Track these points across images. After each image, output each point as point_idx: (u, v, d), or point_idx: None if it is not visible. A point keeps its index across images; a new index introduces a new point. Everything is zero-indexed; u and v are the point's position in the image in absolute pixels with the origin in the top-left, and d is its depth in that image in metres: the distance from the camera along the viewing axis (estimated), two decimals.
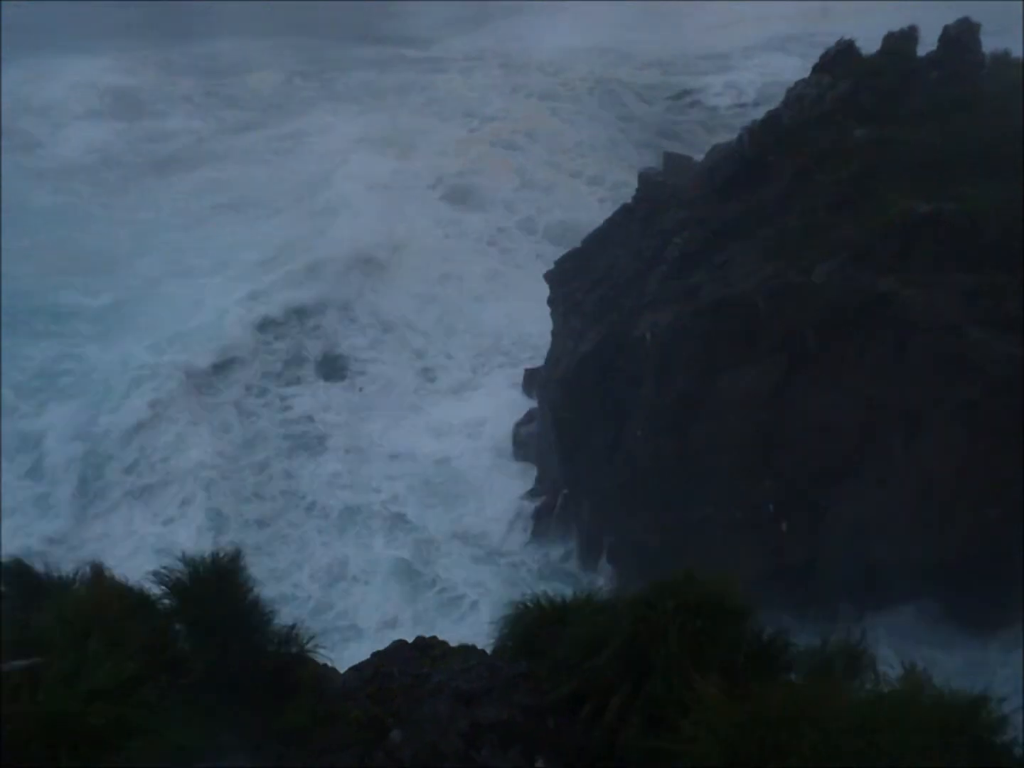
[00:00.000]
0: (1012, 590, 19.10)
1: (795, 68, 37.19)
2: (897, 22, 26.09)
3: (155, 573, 4.86)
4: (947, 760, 3.56)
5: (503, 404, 28.33)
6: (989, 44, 25.17)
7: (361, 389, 30.50)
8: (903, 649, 17.98)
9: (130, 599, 4.87)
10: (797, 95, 25.58)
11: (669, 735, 3.89)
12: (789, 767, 3.52)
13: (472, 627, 20.59)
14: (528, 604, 5.09)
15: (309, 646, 5.16)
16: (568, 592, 5.15)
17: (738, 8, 62.15)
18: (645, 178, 27.74)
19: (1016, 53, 24.93)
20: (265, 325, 32.77)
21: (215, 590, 4.80)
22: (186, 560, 4.84)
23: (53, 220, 38.81)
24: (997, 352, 18.65)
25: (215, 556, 4.89)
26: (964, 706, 3.94)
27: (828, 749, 3.54)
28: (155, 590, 4.90)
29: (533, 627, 4.88)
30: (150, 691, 4.12)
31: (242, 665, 4.71)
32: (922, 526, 19.17)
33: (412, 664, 5.44)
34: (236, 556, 4.94)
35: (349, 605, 22.72)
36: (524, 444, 26.74)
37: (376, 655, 5.75)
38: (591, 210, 36.31)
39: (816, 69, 25.80)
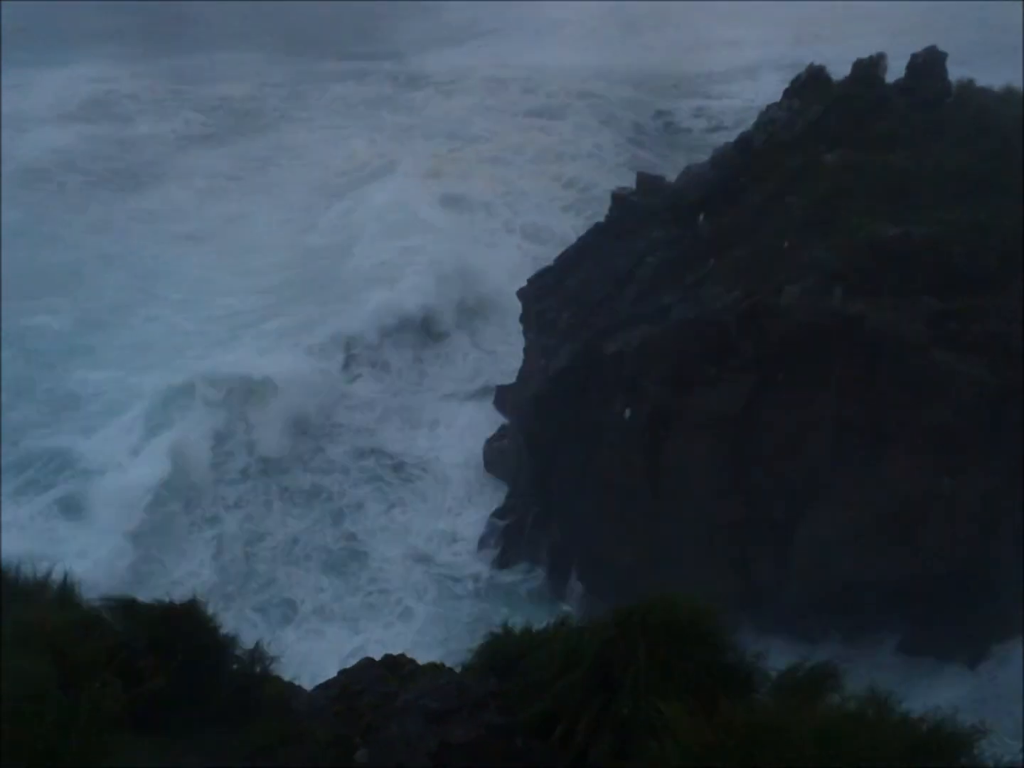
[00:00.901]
0: (979, 609, 19.32)
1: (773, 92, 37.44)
2: (867, 50, 26.61)
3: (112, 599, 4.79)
4: None
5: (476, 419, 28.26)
6: (956, 74, 25.72)
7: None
8: (870, 671, 18.14)
9: (89, 618, 4.79)
10: (769, 119, 25.98)
11: (637, 755, 3.88)
12: None
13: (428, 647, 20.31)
14: (500, 631, 5.08)
15: (272, 666, 5.10)
16: (535, 614, 5.16)
17: (718, 32, 62.97)
18: (618, 198, 27.95)
19: (981, 82, 25.46)
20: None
21: (177, 620, 4.75)
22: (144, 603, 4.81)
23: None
24: (964, 374, 18.92)
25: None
26: (930, 726, 3.97)
27: (794, 764, 3.54)
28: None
29: (505, 651, 4.86)
30: (110, 704, 4.02)
31: (205, 681, 4.64)
32: (889, 546, 19.32)
33: (380, 682, 5.38)
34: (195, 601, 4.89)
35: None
36: (495, 461, 26.69)
37: (343, 673, 5.69)
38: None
39: (787, 94, 26.22)
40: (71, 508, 24.12)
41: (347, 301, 33.24)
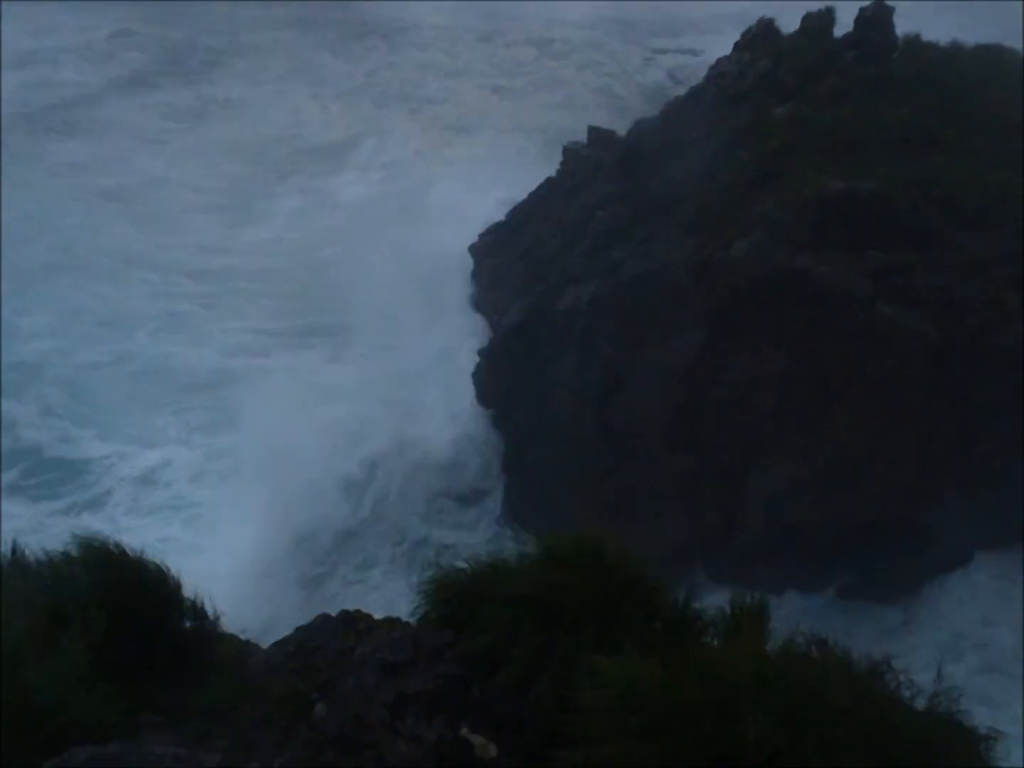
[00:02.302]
0: (917, 553, 20.00)
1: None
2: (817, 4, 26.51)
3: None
4: (855, 715, 3.71)
5: None
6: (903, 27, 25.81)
7: None
8: (815, 614, 18.72)
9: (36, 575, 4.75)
10: (719, 72, 25.96)
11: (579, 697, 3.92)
12: (696, 727, 3.60)
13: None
14: (450, 569, 5.10)
15: (220, 621, 5.09)
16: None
17: None
18: (569, 152, 27.79)
19: (927, 37, 25.63)
20: None
21: (122, 568, 4.72)
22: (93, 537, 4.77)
23: None
24: (907, 327, 19.33)
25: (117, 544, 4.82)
26: (870, 666, 4.12)
27: (725, 713, 3.61)
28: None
29: (457, 593, 4.90)
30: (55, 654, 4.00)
31: (158, 641, 4.64)
32: (833, 495, 19.84)
33: (336, 638, 5.42)
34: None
35: None
36: None
37: (299, 629, 5.71)
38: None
39: (737, 47, 26.17)
40: None
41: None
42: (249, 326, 30.05)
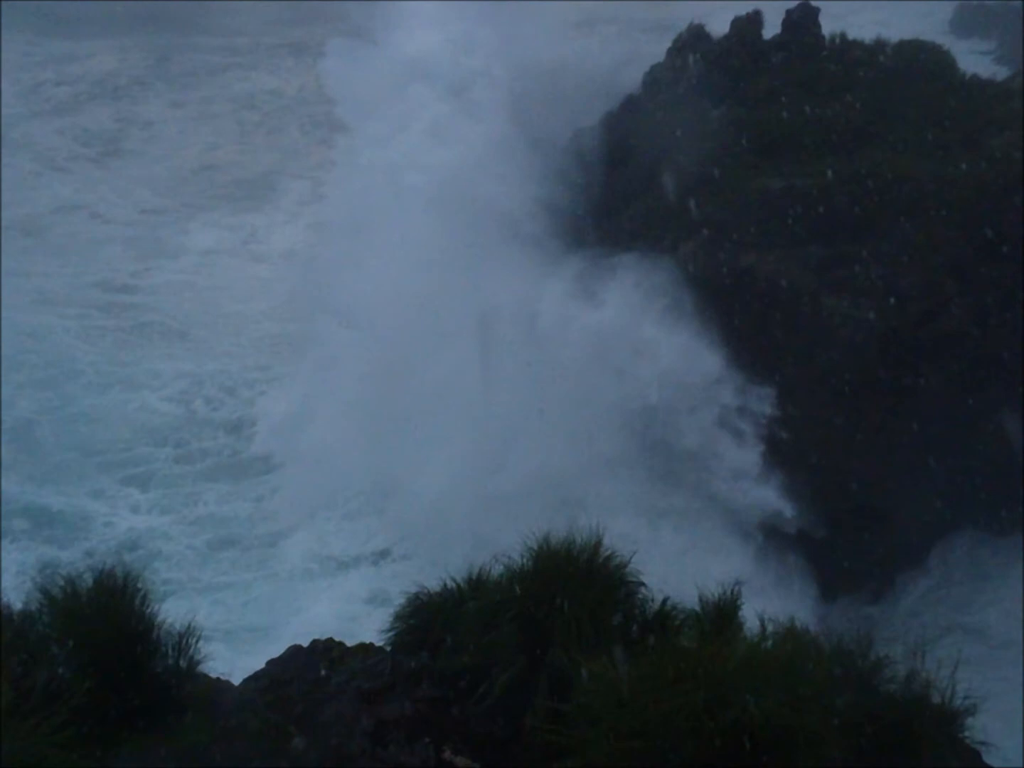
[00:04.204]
0: (881, 543, 20.27)
1: None
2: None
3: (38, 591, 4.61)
4: (835, 704, 3.76)
5: None
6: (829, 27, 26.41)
7: None
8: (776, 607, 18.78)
9: (6, 625, 4.59)
10: (653, 78, 26.29)
11: (571, 708, 3.94)
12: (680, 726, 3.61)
13: None
14: (422, 595, 5.07)
15: (199, 656, 4.98)
16: None
17: None
18: None
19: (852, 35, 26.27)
20: None
21: (93, 608, 4.59)
22: (66, 579, 4.61)
23: None
24: (851, 317, 19.70)
25: (100, 575, 4.67)
26: (846, 652, 4.17)
27: (719, 703, 3.64)
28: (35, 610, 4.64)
29: (429, 616, 4.86)
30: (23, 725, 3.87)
31: (130, 686, 4.52)
32: (789, 489, 20.06)
33: (309, 669, 5.34)
34: (125, 576, 4.73)
35: None
36: None
37: (271, 663, 5.61)
38: None
39: (670, 53, 26.55)
40: None
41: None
42: None
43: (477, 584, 4.92)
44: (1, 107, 43.27)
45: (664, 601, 4.74)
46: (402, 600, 5.03)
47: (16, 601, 4.73)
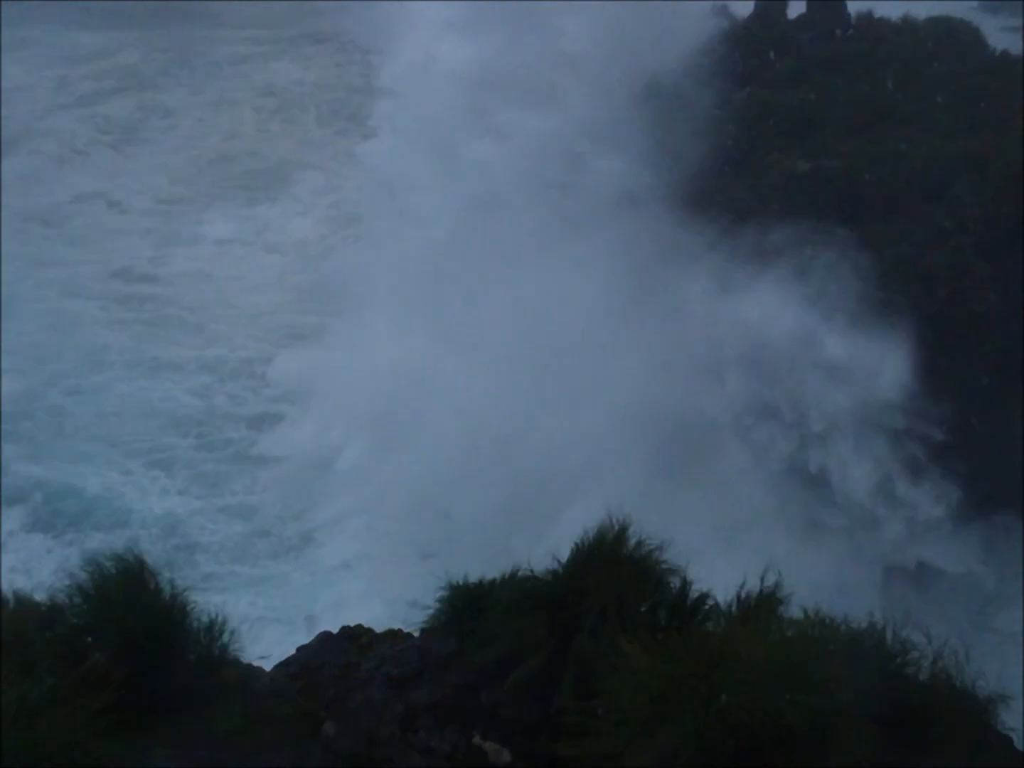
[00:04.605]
0: None
1: None
2: None
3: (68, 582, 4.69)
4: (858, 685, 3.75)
5: None
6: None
7: None
8: None
9: (41, 614, 4.69)
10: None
11: (599, 694, 3.96)
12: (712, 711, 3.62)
13: None
14: (456, 583, 5.10)
15: (230, 643, 5.05)
16: None
17: None
18: None
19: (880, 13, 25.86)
20: None
21: (124, 596, 4.66)
22: (91, 566, 4.69)
23: None
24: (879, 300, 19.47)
25: (121, 559, 4.74)
26: (872, 634, 4.15)
27: (750, 688, 3.65)
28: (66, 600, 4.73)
29: (462, 604, 4.90)
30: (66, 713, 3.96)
31: (163, 673, 4.60)
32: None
33: (339, 655, 5.40)
34: (142, 561, 4.80)
35: None
36: None
37: (301, 649, 5.68)
38: None
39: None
40: None
41: None
42: None
43: (510, 576, 4.96)
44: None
45: (686, 586, 4.71)
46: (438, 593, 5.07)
47: (54, 591, 4.81)
